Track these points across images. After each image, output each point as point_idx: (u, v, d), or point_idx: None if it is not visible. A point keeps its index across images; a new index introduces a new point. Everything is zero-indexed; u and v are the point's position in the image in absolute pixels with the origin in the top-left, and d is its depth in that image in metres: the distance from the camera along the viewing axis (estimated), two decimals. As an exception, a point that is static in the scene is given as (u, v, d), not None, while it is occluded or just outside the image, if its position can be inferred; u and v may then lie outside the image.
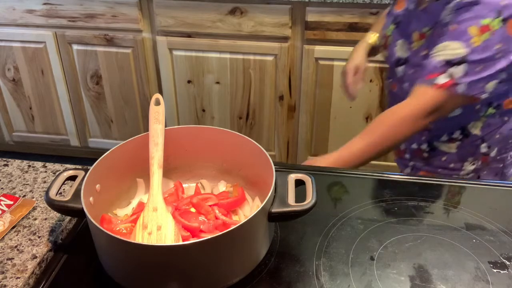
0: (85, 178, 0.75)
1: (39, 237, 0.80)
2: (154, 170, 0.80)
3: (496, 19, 0.99)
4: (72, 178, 0.80)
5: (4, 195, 0.87)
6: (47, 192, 0.75)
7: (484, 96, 1.05)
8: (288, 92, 2.25)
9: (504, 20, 0.99)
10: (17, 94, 2.49)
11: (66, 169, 0.81)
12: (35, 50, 2.34)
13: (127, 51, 2.27)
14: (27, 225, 0.82)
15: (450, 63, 1.03)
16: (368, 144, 1.07)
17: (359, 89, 1.35)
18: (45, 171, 0.97)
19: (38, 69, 2.39)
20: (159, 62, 2.27)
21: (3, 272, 0.73)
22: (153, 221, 0.74)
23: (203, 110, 2.36)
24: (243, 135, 0.85)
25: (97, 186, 0.79)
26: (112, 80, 2.36)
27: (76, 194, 0.74)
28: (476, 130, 1.16)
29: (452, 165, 1.22)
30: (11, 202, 0.85)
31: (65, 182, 0.80)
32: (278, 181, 0.76)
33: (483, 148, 1.18)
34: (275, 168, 0.76)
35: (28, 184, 0.93)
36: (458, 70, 1.02)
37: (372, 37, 1.38)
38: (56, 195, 0.75)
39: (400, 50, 1.21)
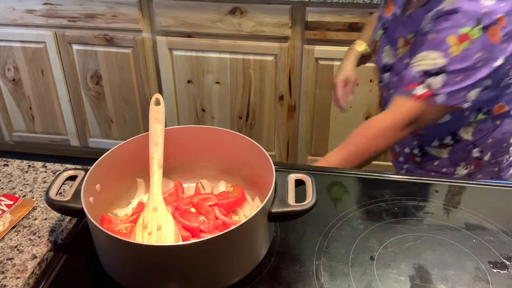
0: (85, 178, 0.75)
1: (39, 237, 0.80)
2: (154, 170, 0.80)
3: (475, 28, 0.97)
4: (72, 178, 0.80)
5: (4, 195, 0.87)
6: (47, 192, 0.75)
7: (466, 105, 1.03)
8: (288, 92, 2.25)
9: (485, 28, 0.96)
10: (17, 94, 2.49)
11: (66, 169, 0.81)
12: (35, 50, 2.34)
13: (127, 51, 2.27)
14: (27, 225, 0.82)
15: (428, 74, 1.01)
16: (348, 155, 1.07)
17: (349, 100, 1.36)
18: (45, 171, 0.97)
19: (38, 69, 2.39)
20: (159, 62, 2.27)
21: (3, 272, 0.73)
22: (153, 221, 0.74)
23: (203, 110, 2.37)
24: (243, 135, 0.85)
25: (97, 186, 0.79)
26: (112, 80, 2.36)
27: (76, 194, 0.74)
28: (467, 135, 1.15)
29: (444, 170, 1.21)
30: (11, 202, 0.85)
31: (65, 182, 0.80)
32: (278, 181, 0.76)
33: (476, 152, 1.17)
34: (275, 168, 0.76)
35: (28, 184, 0.93)
36: (436, 81, 1.01)
37: (361, 45, 1.38)
38: (56, 195, 0.75)
39: (386, 56, 1.20)
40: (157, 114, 0.86)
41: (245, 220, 0.68)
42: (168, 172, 0.89)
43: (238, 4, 2.06)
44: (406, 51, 1.13)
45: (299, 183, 0.78)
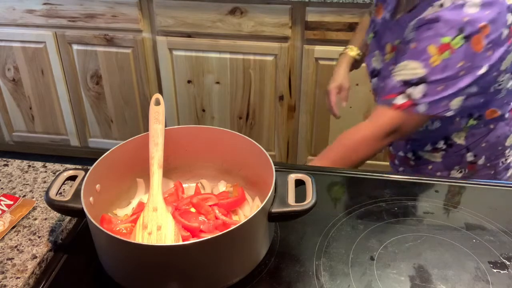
0: (85, 178, 0.75)
1: (39, 237, 0.80)
2: (154, 170, 0.80)
3: (457, 37, 0.95)
4: (72, 178, 0.80)
5: (4, 195, 0.87)
6: (47, 192, 0.75)
7: (450, 113, 1.02)
8: (288, 92, 2.25)
9: (467, 37, 0.95)
10: (17, 94, 2.49)
11: (66, 169, 0.81)
12: (35, 50, 2.34)
13: (127, 51, 2.27)
14: (27, 225, 0.82)
15: (408, 84, 1.00)
16: (330, 163, 1.06)
17: (343, 107, 1.36)
18: (45, 171, 0.97)
19: (38, 69, 2.39)
20: (159, 62, 2.27)
21: (3, 272, 0.73)
22: (153, 221, 0.74)
23: (203, 110, 2.37)
24: (243, 135, 0.85)
25: (97, 186, 0.79)
26: (112, 80, 2.36)
27: (76, 194, 0.74)
28: (460, 140, 1.14)
29: (439, 174, 1.21)
30: (11, 202, 0.85)
31: (65, 182, 0.80)
32: (278, 181, 0.76)
33: (469, 157, 1.16)
34: (275, 168, 0.76)
35: (28, 184, 0.93)
36: (416, 91, 1.00)
37: (353, 50, 1.38)
38: (56, 195, 0.75)
39: (375, 61, 1.20)
40: (157, 114, 0.86)
41: (245, 220, 0.68)
42: (168, 172, 0.89)
43: (238, 4, 2.06)
44: (392, 57, 1.12)
45: (299, 183, 0.78)
